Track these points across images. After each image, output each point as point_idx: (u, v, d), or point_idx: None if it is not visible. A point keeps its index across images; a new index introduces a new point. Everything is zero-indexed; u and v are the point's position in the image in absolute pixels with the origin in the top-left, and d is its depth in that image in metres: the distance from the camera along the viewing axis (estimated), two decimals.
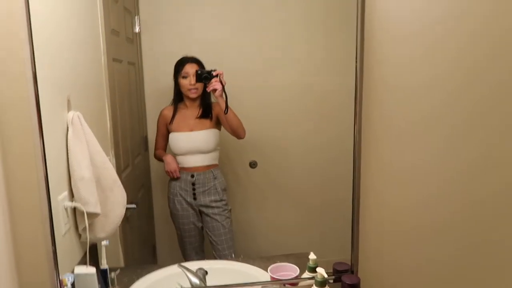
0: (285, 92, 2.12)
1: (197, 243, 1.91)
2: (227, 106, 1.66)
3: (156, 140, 1.88)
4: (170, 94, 1.95)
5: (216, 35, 2.09)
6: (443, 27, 1.00)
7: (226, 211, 1.88)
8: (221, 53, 1.93)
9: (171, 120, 1.81)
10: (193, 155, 1.81)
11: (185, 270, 1.14)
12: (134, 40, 1.96)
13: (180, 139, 1.80)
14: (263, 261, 1.34)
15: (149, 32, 2.02)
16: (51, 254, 0.98)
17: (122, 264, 1.58)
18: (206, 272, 1.28)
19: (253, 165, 2.11)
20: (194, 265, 1.26)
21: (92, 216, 1.18)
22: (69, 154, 1.13)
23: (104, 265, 1.14)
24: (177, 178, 1.84)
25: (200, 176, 1.83)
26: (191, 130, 1.81)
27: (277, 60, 2.11)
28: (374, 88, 1.15)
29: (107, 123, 1.50)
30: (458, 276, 1.23)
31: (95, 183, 1.20)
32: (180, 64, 1.78)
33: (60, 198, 1.10)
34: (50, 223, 0.98)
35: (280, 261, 1.29)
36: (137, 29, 1.98)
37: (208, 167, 1.84)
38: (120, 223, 1.29)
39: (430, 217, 1.15)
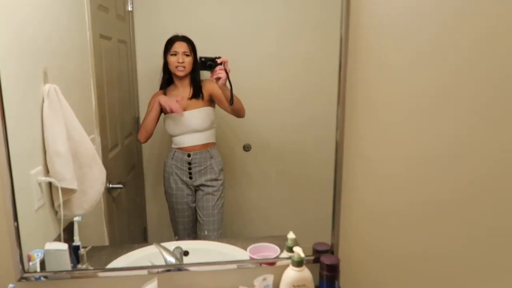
0: (277, 73, 2.06)
1: (190, 223, 1.88)
2: (232, 97, 1.59)
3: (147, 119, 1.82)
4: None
5: (213, 15, 2.04)
6: None
7: (220, 192, 1.85)
8: (217, 34, 1.87)
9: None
10: (188, 134, 1.78)
11: (161, 249, 1.11)
12: (126, 18, 1.92)
13: (174, 120, 1.76)
14: (246, 242, 1.30)
15: (142, 10, 1.98)
16: (13, 230, 0.95)
17: (106, 243, 1.56)
18: (187, 252, 1.25)
19: (247, 148, 2.07)
20: (173, 245, 1.23)
21: (68, 192, 1.16)
22: (44, 128, 1.10)
23: (76, 241, 1.11)
24: (173, 156, 1.80)
25: (197, 155, 1.79)
26: (185, 110, 1.77)
27: (272, 43, 2.05)
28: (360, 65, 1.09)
29: (92, 100, 1.47)
30: (439, 261, 1.20)
31: (72, 159, 1.17)
32: (170, 43, 1.72)
33: (33, 173, 1.07)
34: (11, 198, 0.95)
35: (264, 242, 1.25)
36: (129, 7, 1.94)
37: (205, 145, 1.80)
38: (98, 200, 1.27)
39: (412, 201, 1.11)
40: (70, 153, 1.16)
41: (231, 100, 1.60)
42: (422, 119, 1.07)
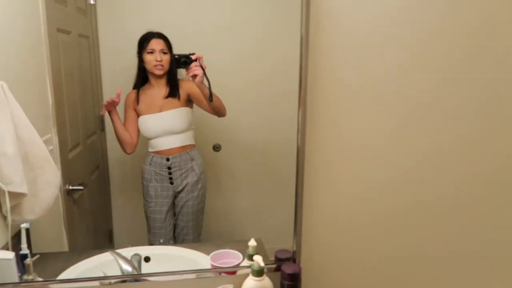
0: (247, 73, 2.01)
1: (170, 234, 1.74)
2: (211, 94, 1.51)
3: (125, 125, 1.69)
4: (130, 72, 1.82)
5: (181, 10, 1.96)
6: None
7: (201, 196, 1.77)
8: (188, 29, 1.75)
9: (137, 102, 1.68)
10: (166, 136, 1.69)
11: (117, 257, 1.05)
12: (88, 11, 1.83)
13: (149, 121, 1.67)
14: (210, 247, 1.25)
15: (105, 4, 1.89)
16: None
17: (66, 248, 1.48)
18: (148, 258, 1.19)
19: (216, 148, 2.01)
20: (131, 251, 1.17)
21: (18, 196, 1.08)
22: None
23: (24, 249, 1.04)
24: (151, 162, 1.70)
25: (176, 158, 1.70)
26: (161, 110, 1.67)
27: (243, 42, 2.00)
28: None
29: (48, 98, 1.38)
30: (402, 268, 1.19)
31: (22, 161, 1.10)
32: (145, 40, 1.64)
33: None
34: None
35: (231, 248, 1.20)
36: (91, 0, 1.85)
37: (184, 148, 1.71)
38: (52, 204, 1.19)
39: (375, 209, 1.09)
40: (19, 154, 1.08)
41: (210, 97, 1.51)
42: (386, 127, 1.06)
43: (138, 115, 1.70)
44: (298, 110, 1.04)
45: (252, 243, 1.03)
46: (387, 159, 1.07)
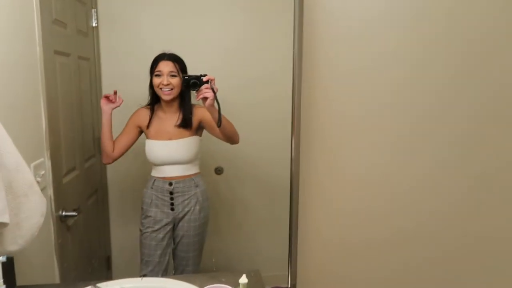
0: (244, 90, 1.95)
1: (161, 265, 1.66)
2: (220, 119, 1.39)
3: (118, 137, 1.63)
4: (131, 94, 1.79)
5: (183, 32, 1.93)
6: None
7: (204, 225, 1.69)
8: (189, 51, 1.71)
9: (148, 125, 1.62)
10: (171, 165, 1.63)
11: None
12: (90, 34, 1.81)
13: (157, 148, 1.62)
14: (206, 279, 1.16)
15: (108, 26, 1.88)
16: None
17: (57, 279, 1.41)
18: None
19: (218, 171, 1.94)
20: (116, 284, 1.09)
21: None
22: None
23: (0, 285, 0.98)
24: (153, 186, 1.65)
25: (180, 184, 1.64)
26: (170, 138, 1.61)
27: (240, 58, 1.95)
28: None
29: (41, 122, 1.34)
30: None
31: (5, 189, 1.04)
32: (154, 62, 1.60)
33: None
34: None
35: (228, 279, 1.11)
36: (93, 23, 1.84)
37: (189, 175, 1.65)
38: (36, 233, 1.12)
39: (377, 238, 1.01)
40: (1, 181, 1.03)
41: (219, 122, 1.40)
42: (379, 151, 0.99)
43: (139, 134, 1.64)
44: (291, 137, 0.97)
45: (243, 280, 0.94)
46: (380, 183, 1.00)
